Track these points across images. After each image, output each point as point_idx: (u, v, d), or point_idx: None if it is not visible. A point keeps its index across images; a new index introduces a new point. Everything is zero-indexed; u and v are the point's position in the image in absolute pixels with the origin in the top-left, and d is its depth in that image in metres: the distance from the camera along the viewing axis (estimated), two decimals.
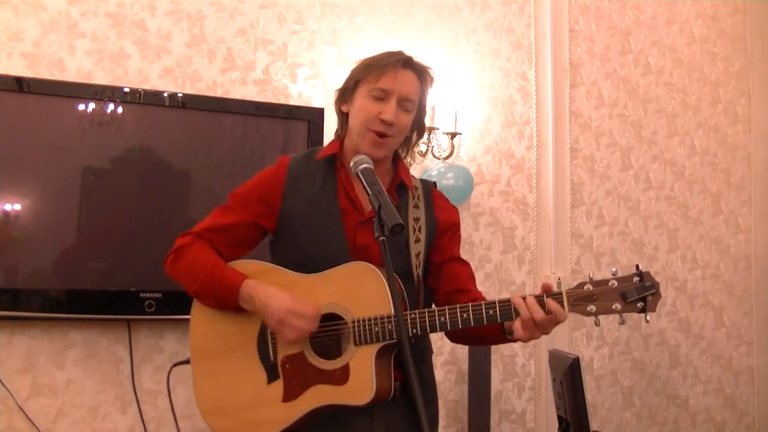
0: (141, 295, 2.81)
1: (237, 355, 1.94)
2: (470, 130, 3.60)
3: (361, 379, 1.83)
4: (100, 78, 2.95)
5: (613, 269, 1.73)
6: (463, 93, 3.57)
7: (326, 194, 1.96)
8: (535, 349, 3.68)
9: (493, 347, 3.36)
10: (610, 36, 3.98)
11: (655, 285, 1.70)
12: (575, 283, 1.76)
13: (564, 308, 1.73)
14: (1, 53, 2.83)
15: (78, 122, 2.82)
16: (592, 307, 1.71)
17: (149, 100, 2.92)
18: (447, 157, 3.44)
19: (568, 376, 2.88)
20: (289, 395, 1.88)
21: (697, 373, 4.07)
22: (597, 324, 1.73)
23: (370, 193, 1.81)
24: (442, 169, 3.41)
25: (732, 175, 4.24)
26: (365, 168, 1.86)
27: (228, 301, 1.90)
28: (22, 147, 2.73)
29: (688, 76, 4.17)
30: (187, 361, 2.16)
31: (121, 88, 2.90)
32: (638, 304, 1.69)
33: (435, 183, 2.17)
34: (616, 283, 1.71)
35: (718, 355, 4.13)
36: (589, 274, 1.76)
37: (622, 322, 1.72)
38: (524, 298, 1.75)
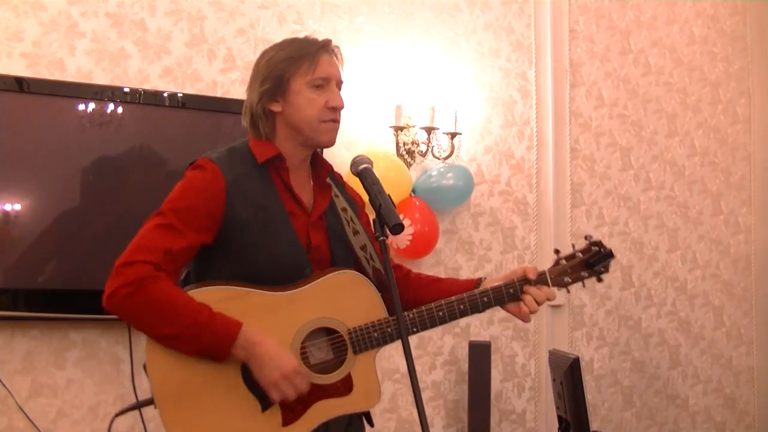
0: None
1: (219, 389, 1.75)
2: (470, 130, 3.59)
3: (366, 386, 1.85)
4: (100, 78, 2.94)
5: (573, 243, 2.03)
6: (463, 93, 3.57)
7: (270, 198, 1.86)
8: (535, 349, 3.68)
9: (493, 347, 3.36)
10: (610, 36, 3.98)
11: (612, 252, 1.98)
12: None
13: (549, 284, 1.94)
14: (1, 53, 2.82)
15: (78, 122, 2.81)
16: (568, 279, 1.97)
17: (149, 100, 2.92)
18: (447, 157, 3.44)
19: (568, 376, 2.88)
20: (289, 418, 1.80)
21: (697, 373, 4.06)
22: (568, 292, 1.98)
23: (370, 192, 1.80)
24: (442, 169, 3.41)
25: (732, 175, 4.24)
26: (365, 168, 1.85)
27: (218, 349, 1.72)
28: (22, 147, 2.73)
29: (688, 76, 4.17)
30: (134, 407, 2.07)
31: (121, 88, 2.90)
32: (600, 269, 1.98)
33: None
34: (582, 255, 1.97)
35: (718, 355, 4.13)
36: (557, 250, 2.00)
37: (584, 285, 2.01)
38: (521, 286, 1.93)
